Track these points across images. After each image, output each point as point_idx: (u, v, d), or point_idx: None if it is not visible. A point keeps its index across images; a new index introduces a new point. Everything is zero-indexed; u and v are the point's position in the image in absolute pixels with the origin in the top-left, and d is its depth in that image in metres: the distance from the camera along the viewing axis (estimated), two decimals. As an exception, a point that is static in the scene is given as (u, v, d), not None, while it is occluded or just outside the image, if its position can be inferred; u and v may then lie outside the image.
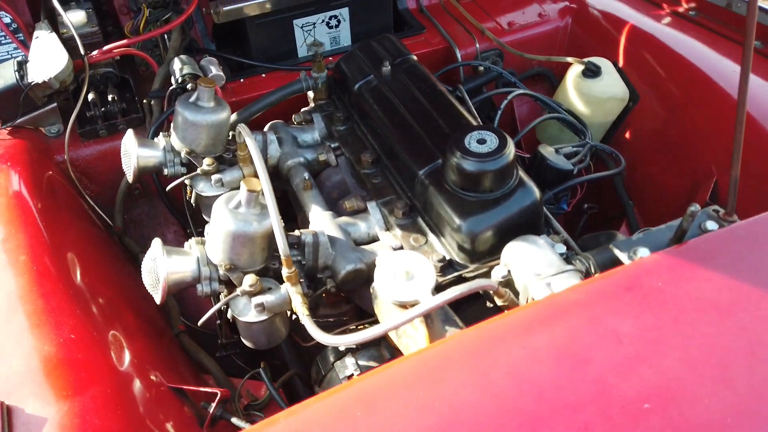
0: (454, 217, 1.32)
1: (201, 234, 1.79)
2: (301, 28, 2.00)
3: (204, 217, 1.60)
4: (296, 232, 1.35)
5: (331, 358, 1.46)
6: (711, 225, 1.17)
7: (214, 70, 1.83)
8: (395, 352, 1.44)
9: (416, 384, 0.88)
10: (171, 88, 1.77)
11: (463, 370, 0.90)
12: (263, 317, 1.25)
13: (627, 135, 2.03)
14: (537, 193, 1.34)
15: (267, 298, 1.24)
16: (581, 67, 1.95)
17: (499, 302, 1.17)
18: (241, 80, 1.95)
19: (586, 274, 1.20)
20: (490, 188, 1.30)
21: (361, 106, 1.67)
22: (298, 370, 1.61)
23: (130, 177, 1.57)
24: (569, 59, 1.98)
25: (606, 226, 1.90)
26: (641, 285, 1.02)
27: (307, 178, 1.55)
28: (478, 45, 2.10)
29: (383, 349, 1.46)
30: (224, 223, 1.24)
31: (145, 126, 1.82)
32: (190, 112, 1.51)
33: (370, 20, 2.07)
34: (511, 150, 1.28)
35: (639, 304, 0.99)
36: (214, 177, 1.51)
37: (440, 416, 0.84)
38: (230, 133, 1.61)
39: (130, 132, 1.56)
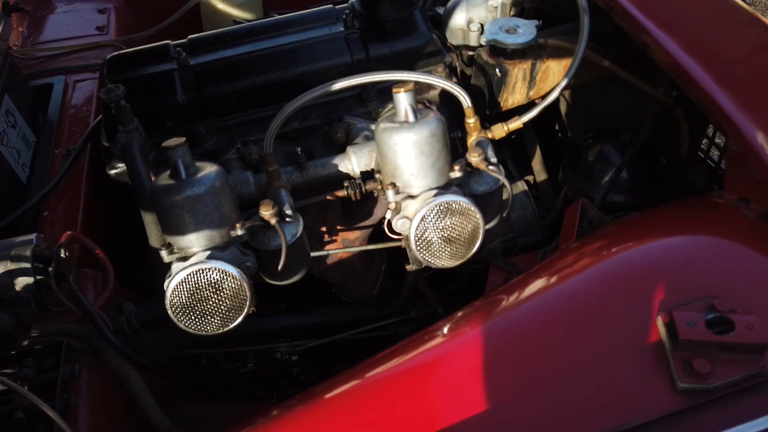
0: (410, 41, 1.50)
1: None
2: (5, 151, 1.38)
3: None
4: None
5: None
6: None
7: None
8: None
9: None
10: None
11: None
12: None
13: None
14: None
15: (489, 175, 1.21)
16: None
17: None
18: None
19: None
20: None
21: (211, 102, 1.44)
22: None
23: (231, 324, 1.05)
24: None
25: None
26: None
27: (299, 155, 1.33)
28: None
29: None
30: (424, 133, 1.12)
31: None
32: (195, 188, 1.07)
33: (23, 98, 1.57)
34: None
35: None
36: (287, 211, 1.17)
37: None
38: None
39: (213, 262, 1.00)
